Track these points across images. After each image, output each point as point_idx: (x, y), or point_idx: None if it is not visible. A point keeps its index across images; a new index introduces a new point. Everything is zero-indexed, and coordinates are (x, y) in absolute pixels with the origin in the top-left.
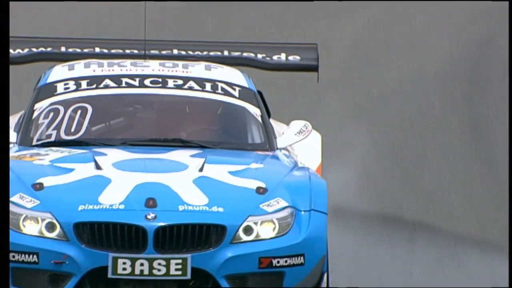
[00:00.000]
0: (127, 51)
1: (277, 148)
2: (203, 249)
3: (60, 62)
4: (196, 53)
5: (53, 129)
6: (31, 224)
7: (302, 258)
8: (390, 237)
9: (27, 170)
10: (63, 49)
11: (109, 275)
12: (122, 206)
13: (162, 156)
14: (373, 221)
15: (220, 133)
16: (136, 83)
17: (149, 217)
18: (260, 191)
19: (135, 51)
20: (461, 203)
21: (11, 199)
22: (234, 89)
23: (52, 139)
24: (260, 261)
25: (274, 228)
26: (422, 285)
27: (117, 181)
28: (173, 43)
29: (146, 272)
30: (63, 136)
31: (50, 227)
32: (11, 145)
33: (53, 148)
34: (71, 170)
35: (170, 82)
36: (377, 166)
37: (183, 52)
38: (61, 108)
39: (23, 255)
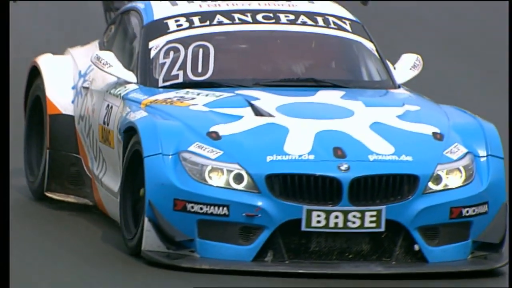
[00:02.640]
0: None
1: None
2: (396, 200)
3: None
4: None
5: (178, 69)
6: (217, 175)
7: (486, 206)
8: None
9: (190, 117)
10: None
11: (303, 228)
12: (312, 157)
13: (315, 99)
14: None
15: (345, 70)
16: (249, 18)
17: (342, 168)
18: (437, 137)
19: None
20: None
21: (189, 148)
22: (345, 23)
23: (180, 80)
24: (451, 211)
25: (460, 176)
26: None
27: (295, 129)
28: None
29: (340, 224)
30: (191, 76)
31: (238, 178)
32: (129, 85)
33: (191, 91)
34: (239, 117)
35: (282, 17)
36: None
37: None
38: (180, 47)
39: (211, 207)
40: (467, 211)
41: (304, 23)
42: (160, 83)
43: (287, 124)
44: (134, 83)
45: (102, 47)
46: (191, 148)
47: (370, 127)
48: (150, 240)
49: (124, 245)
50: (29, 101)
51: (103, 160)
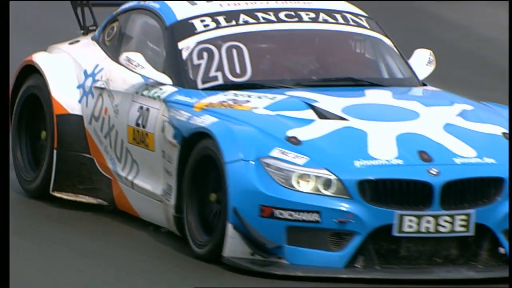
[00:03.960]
0: None
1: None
2: (484, 203)
3: None
4: None
5: (216, 70)
6: (306, 181)
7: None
8: None
9: (261, 121)
10: None
11: (394, 233)
12: (400, 161)
13: (370, 100)
14: None
15: (374, 68)
16: (273, 17)
17: (432, 172)
18: (507, 136)
19: None
20: None
21: (271, 154)
22: (362, 20)
23: (220, 81)
24: None
25: None
26: None
27: (373, 133)
28: None
29: (431, 229)
30: (231, 78)
31: (327, 184)
32: (165, 87)
33: (239, 93)
34: (310, 120)
35: (304, 16)
36: None
37: None
38: (213, 48)
39: (302, 214)
40: None
41: (325, 21)
42: (200, 85)
43: (363, 127)
44: (170, 85)
45: (103, 46)
46: (274, 154)
47: (444, 128)
48: (233, 247)
49: (192, 251)
50: (19, 100)
51: (133, 162)
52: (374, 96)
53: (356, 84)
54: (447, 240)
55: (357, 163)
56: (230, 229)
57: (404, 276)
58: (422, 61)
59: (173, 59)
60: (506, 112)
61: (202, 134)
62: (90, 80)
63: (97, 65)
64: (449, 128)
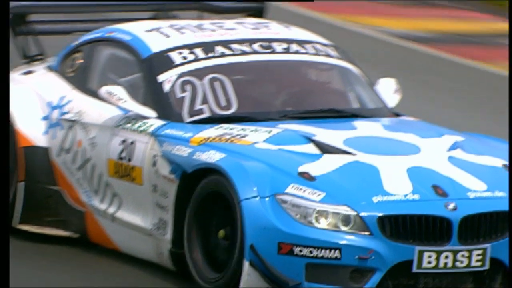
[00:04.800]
0: None
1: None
2: (498, 237)
3: None
4: None
5: (201, 103)
6: (324, 218)
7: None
8: None
9: (269, 156)
10: None
11: (414, 269)
12: (417, 197)
13: (364, 132)
14: None
15: (353, 99)
16: (249, 48)
17: (450, 207)
18: (507, 168)
19: None
20: None
21: (286, 190)
22: (330, 49)
23: (207, 114)
24: None
25: None
26: None
27: (384, 168)
28: None
29: (449, 264)
30: (217, 110)
31: (346, 220)
32: (150, 121)
33: (231, 126)
34: (318, 155)
35: (277, 46)
36: None
37: None
38: (195, 80)
39: (322, 250)
40: None
41: (297, 52)
42: (186, 119)
43: (372, 162)
44: (154, 118)
45: (65, 77)
46: (289, 190)
47: (450, 161)
48: (249, 284)
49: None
50: None
51: (113, 195)
52: (365, 128)
53: (339, 115)
54: (464, 275)
55: (375, 199)
56: (246, 266)
57: None
58: (388, 90)
59: (154, 92)
60: (494, 142)
61: (207, 170)
62: (57, 112)
63: (63, 97)
64: (454, 161)
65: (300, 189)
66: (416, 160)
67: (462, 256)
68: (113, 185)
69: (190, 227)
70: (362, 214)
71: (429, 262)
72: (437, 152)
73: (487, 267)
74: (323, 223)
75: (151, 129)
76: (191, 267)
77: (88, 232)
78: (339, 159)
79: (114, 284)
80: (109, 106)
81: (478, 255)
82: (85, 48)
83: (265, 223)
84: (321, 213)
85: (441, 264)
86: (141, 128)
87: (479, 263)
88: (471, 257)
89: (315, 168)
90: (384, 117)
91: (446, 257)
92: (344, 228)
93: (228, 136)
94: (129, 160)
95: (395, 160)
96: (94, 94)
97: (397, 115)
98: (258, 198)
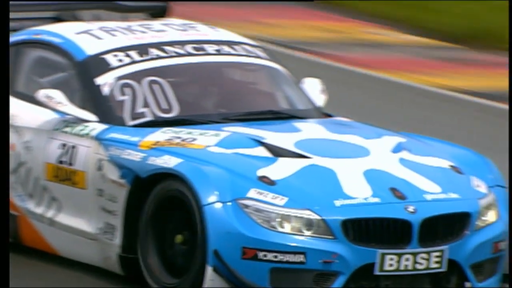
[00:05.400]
0: None
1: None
2: (455, 239)
3: None
4: None
5: (143, 106)
6: (288, 222)
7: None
8: None
9: (225, 161)
10: None
11: (375, 272)
12: (377, 200)
13: (310, 134)
14: None
15: (286, 99)
16: (182, 51)
17: (410, 209)
18: (457, 170)
19: None
20: None
21: (247, 195)
22: (258, 50)
23: (149, 118)
24: (493, 247)
25: (495, 211)
26: None
27: (340, 171)
28: None
29: (409, 267)
30: (159, 113)
31: (310, 224)
32: (92, 124)
33: (177, 129)
34: (275, 159)
35: (208, 48)
36: None
37: None
38: (134, 83)
39: (287, 255)
40: (502, 245)
41: (228, 53)
42: (129, 122)
43: (328, 165)
44: (95, 122)
45: None
46: (251, 195)
47: (401, 163)
48: None
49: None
50: None
51: (52, 199)
52: (310, 130)
53: (276, 117)
54: (422, 277)
55: (337, 203)
56: (209, 271)
57: None
58: (314, 90)
59: (93, 95)
60: (433, 142)
61: (162, 175)
62: None
63: None
64: (405, 163)
65: (262, 193)
66: (370, 162)
67: (422, 258)
68: (51, 188)
69: (145, 232)
70: (325, 218)
71: (391, 265)
72: (385, 154)
73: (444, 269)
74: (287, 228)
75: (94, 133)
76: (146, 272)
77: (22, 236)
78: (296, 163)
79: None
80: (43, 109)
81: (437, 257)
82: (10, 50)
83: (229, 228)
84: (284, 218)
85: (402, 267)
86: (83, 132)
87: (437, 265)
88: (429, 259)
89: (273, 172)
90: (317, 117)
91: (407, 259)
92: (307, 233)
93: (177, 140)
94: (70, 164)
95: (350, 163)
96: (24, 97)
97: (328, 115)
98: (220, 203)
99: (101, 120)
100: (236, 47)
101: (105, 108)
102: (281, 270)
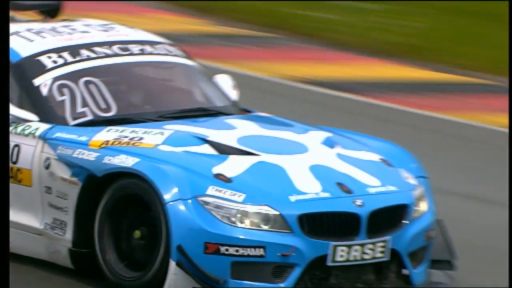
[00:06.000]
0: None
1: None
2: (396, 229)
3: None
4: None
5: (82, 106)
6: (247, 218)
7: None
8: None
9: (179, 159)
10: None
11: (328, 263)
12: (328, 195)
13: (248, 131)
14: None
15: (208, 96)
16: (110, 51)
17: (358, 203)
18: (387, 163)
19: None
20: None
21: (207, 192)
22: (176, 48)
23: (89, 117)
24: (426, 235)
25: (425, 202)
26: None
27: (288, 167)
28: None
29: (358, 257)
30: (99, 113)
31: (268, 219)
32: (34, 124)
33: (121, 128)
34: (226, 157)
35: (133, 48)
36: None
37: None
38: (71, 84)
39: (248, 249)
40: (432, 234)
41: (151, 53)
42: (70, 122)
43: (276, 161)
44: (37, 121)
45: None
46: (210, 192)
47: (340, 158)
48: (175, 283)
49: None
50: None
51: None
52: (243, 126)
53: (206, 114)
54: (367, 266)
55: (292, 198)
56: (172, 265)
57: None
58: (227, 86)
59: (33, 96)
60: (356, 136)
61: (118, 173)
62: None
63: None
64: (343, 158)
65: (220, 190)
66: (312, 158)
67: (368, 249)
68: None
69: (102, 229)
70: (282, 213)
71: (342, 256)
72: (322, 149)
73: (387, 258)
74: (247, 223)
75: (38, 133)
76: (105, 267)
77: None
78: (246, 160)
79: None
80: None
81: (381, 247)
82: None
83: (191, 224)
84: (244, 214)
85: (351, 257)
86: (26, 132)
87: (381, 255)
88: (375, 250)
89: (227, 170)
90: (237, 113)
91: (356, 250)
92: (265, 227)
93: (125, 139)
94: (14, 162)
95: (294, 159)
96: None
97: (247, 110)
98: (181, 200)
99: (42, 120)
100: (157, 46)
101: (46, 109)
102: (242, 264)
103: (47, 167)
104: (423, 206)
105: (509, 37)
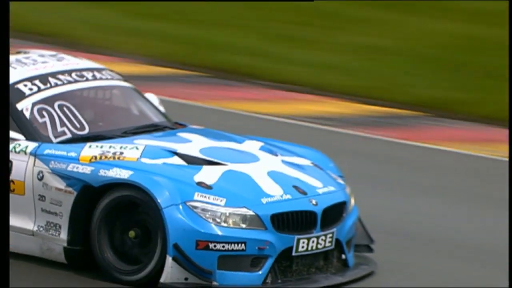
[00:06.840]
0: None
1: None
2: (339, 222)
3: None
4: None
5: (61, 126)
6: (229, 218)
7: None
8: None
9: (163, 170)
10: None
11: (293, 253)
12: (289, 196)
13: (201, 144)
14: None
15: (150, 114)
16: (70, 78)
17: (313, 202)
18: (318, 166)
19: None
20: None
21: (194, 198)
22: (115, 73)
23: (69, 135)
24: (356, 226)
25: (353, 198)
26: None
27: (253, 174)
28: None
29: (314, 247)
30: (76, 131)
31: (246, 219)
32: (22, 142)
33: (99, 144)
34: (200, 167)
35: (86, 75)
36: None
37: None
38: (48, 107)
39: (232, 245)
40: (357, 224)
41: (101, 78)
42: (54, 140)
43: (241, 169)
44: (24, 140)
45: None
46: (197, 198)
47: (285, 164)
48: (171, 275)
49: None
50: None
51: None
52: (196, 140)
53: (156, 129)
54: (318, 254)
55: (264, 200)
56: (169, 260)
57: (298, 285)
58: (156, 103)
59: (18, 119)
60: (281, 144)
61: (113, 184)
62: None
63: None
64: (287, 164)
65: (205, 196)
66: (266, 165)
67: (321, 240)
68: None
69: (99, 231)
70: (259, 213)
71: (303, 247)
72: (269, 157)
73: (333, 246)
74: (229, 223)
75: (28, 150)
76: (104, 265)
77: None
78: (217, 169)
79: None
80: None
81: (330, 237)
82: None
83: (184, 225)
84: (226, 215)
85: (310, 248)
86: (17, 149)
87: (330, 244)
88: (326, 240)
89: (205, 178)
90: (174, 127)
91: (313, 241)
92: (244, 226)
93: (110, 154)
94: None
95: (254, 167)
96: None
97: (181, 124)
98: (174, 206)
99: (28, 139)
100: (103, 72)
101: (31, 129)
102: (226, 257)
103: (40, 179)
104: (352, 202)
105: (509, 37)
